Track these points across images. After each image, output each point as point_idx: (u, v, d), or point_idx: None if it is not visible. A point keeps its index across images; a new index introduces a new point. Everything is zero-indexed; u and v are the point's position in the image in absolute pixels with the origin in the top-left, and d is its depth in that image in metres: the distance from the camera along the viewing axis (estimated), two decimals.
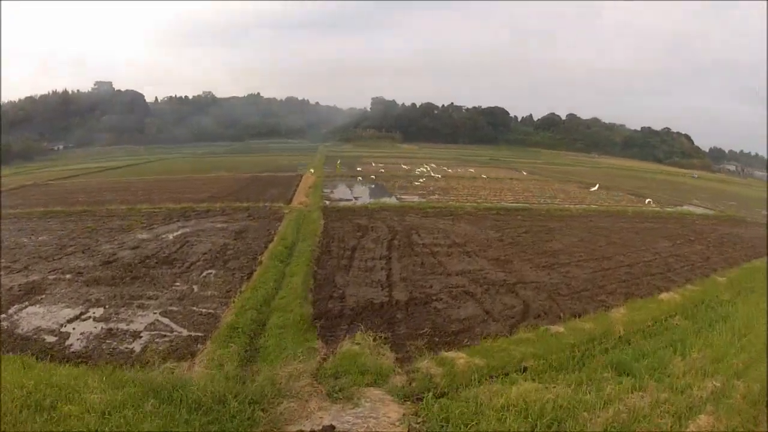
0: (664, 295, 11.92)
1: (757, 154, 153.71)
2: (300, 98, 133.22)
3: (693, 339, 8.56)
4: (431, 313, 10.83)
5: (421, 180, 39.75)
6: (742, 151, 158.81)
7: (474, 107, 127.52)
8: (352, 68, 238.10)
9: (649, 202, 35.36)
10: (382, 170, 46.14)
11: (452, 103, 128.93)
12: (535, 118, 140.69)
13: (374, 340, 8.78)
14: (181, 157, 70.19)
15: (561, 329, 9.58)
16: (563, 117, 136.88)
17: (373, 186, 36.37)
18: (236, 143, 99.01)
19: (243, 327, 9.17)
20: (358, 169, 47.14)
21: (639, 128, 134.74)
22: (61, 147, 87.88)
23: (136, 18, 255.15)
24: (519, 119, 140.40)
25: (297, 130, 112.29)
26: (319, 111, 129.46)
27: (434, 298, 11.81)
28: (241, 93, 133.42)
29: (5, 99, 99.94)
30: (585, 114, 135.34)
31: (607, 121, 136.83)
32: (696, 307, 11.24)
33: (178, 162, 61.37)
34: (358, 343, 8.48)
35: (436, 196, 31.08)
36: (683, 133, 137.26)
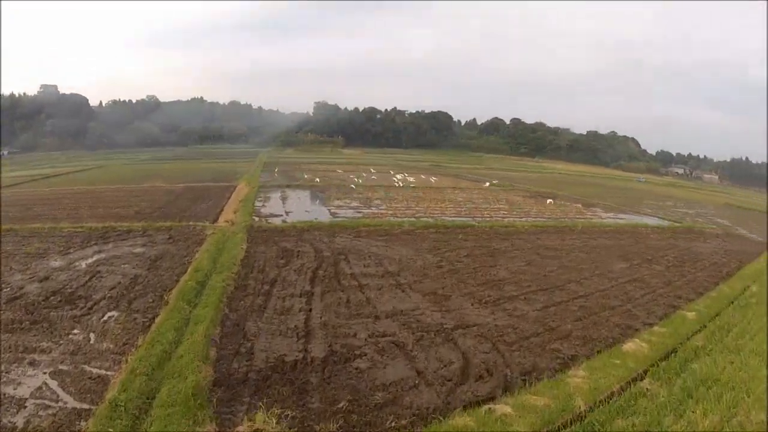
0: (628, 346, 11.24)
1: (705, 157, 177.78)
2: (243, 102, 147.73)
3: (670, 420, 7.39)
4: (352, 377, 9.98)
5: (355, 184, 42.71)
6: (690, 154, 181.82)
7: (417, 111, 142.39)
8: (297, 71, 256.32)
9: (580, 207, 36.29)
10: (318, 180, 47.87)
11: (395, 107, 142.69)
12: (479, 123, 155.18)
13: (278, 421, 8.08)
14: (121, 164, 72.83)
15: (508, 409, 8.21)
16: (507, 121, 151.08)
17: (307, 196, 37.43)
18: (179, 149, 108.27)
19: (127, 403, 8.34)
20: (296, 176, 50.17)
21: (585, 132, 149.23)
22: (6, 152, 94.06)
23: (84, 21, 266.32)
24: (463, 123, 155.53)
25: (240, 134, 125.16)
26: (262, 115, 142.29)
27: (357, 353, 11.01)
28: (185, 97, 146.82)
29: None
30: (530, 118, 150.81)
31: (552, 125, 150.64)
32: (667, 361, 10.54)
33: (116, 169, 63.45)
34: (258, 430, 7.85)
35: (373, 209, 31.85)
36: (630, 136, 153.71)
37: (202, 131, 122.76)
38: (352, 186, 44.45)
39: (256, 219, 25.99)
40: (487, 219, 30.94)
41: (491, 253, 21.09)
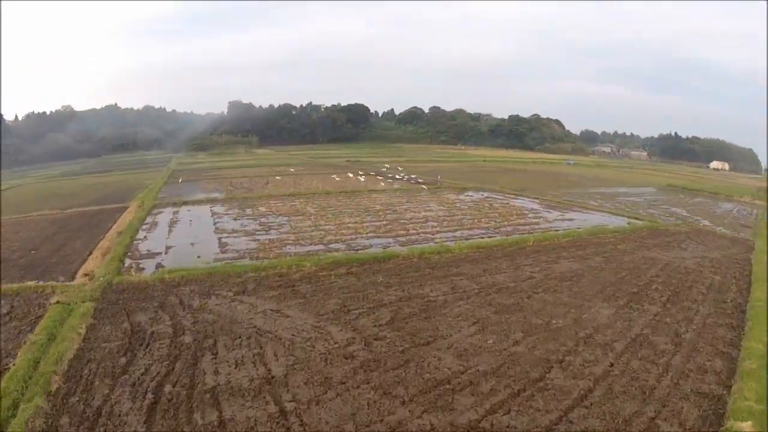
0: None
1: (632, 134, 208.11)
2: (158, 106, 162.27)
3: None
4: None
5: (258, 197, 43.32)
6: (616, 132, 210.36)
7: (333, 105, 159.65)
8: (214, 70, 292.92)
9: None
10: (216, 195, 47.57)
11: (311, 102, 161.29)
12: (397, 113, 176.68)
13: None
14: (27, 184, 73.41)
15: None
16: (426, 110, 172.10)
17: (202, 217, 35.78)
18: (91, 160, 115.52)
19: None
20: (199, 187, 52.24)
21: (506, 116, 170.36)
22: None
23: None
24: (380, 114, 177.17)
25: (154, 140, 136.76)
26: (176, 118, 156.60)
27: None
28: (99, 104, 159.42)
29: None
30: (451, 105, 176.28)
31: (472, 112, 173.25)
32: None
33: (22, 191, 62.64)
34: None
35: (273, 234, 29.62)
36: (553, 118, 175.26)
37: (116, 139, 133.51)
38: (260, 206, 41.47)
39: (127, 265, 23.85)
40: (413, 237, 28.72)
41: (425, 311, 16.86)
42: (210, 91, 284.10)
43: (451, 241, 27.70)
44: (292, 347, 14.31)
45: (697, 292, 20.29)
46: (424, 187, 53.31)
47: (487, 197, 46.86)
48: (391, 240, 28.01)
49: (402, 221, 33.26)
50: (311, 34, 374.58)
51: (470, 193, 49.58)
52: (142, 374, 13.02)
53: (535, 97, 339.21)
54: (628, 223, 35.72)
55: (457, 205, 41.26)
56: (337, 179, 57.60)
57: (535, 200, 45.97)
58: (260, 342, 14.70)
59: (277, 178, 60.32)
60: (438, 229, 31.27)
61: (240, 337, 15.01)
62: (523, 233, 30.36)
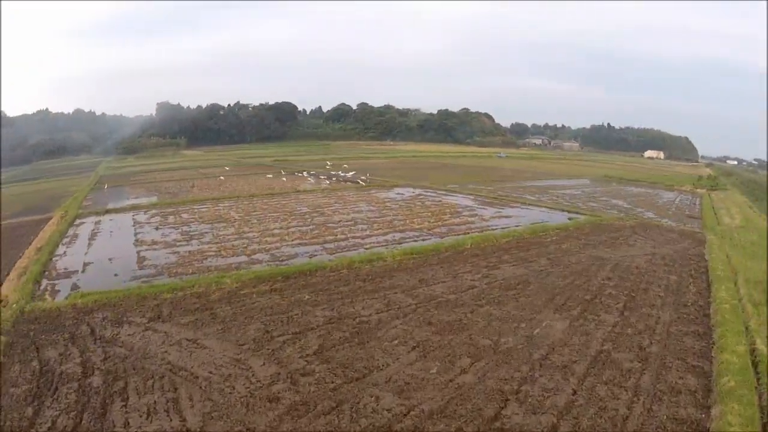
0: None
1: (563, 126, 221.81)
2: (88, 110, 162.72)
3: None
4: None
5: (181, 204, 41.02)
6: (546, 124, 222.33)
7: (261, 104, 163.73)
8: (144, 72, 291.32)
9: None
10: (140, 201, 45.65)
11: (238, 101, 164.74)
12: (325, 110, 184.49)
13: None
14: None
15: None
16: (354, 106, 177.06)
17: (123, 227, 33.80)
18: (23, 167, 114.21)
19: None
20: (124, 193, 50.88)
21: (436, 111, 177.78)
22: None
23: None
24: (308, 112, 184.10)
25: (84, 145, 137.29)
26: (106, 122, 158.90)
27: None
28: (31, 109, 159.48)
29: None
30: (380, 102, 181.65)
31: (401, 107, 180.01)
32: None
33: None
34: None
35: (194, 244, 27.86)
36: (483, 112, 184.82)
37: (47, 145, 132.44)
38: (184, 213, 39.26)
39: (42, 287, 22.07)
40: (342, 243, 27.22)
41: (357, 334, 15.02)
42: (141, 94, 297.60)
43: (383, 246, 26.16)
44: (210, 389, 12.27)
45: (654, 295, 19.50)
46: (361, 181, 52.67)
47: (418, 195, 45.76)
48: (318, 247, 26.27)
49: (330, 225, 31.52)
50: (243, 37, 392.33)
51: (400, 191, 48.40)
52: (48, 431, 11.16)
53: (466, 93, 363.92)
54: (570, 219, 35.53)
55: (388, 204, 39.78)
56: (263, 180, 55.74)
57: (469, 196, 45.26)
58: (174, 383, 12.76)
59: (201, 181, 57.85)
60: (368, 232, 29.68)
61: (153, 377, 13.13)
62: (459, 234, 29.18)
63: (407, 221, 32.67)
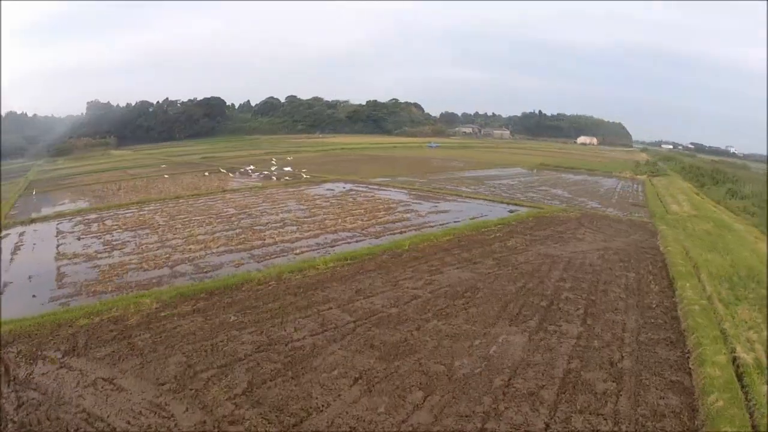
0: None
1: (494, 114, 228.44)
2: (20, 112, 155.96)
3: None
4: None
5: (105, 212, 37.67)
6: (477, 112, 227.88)
7: (190, 100, 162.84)
8: (76, 71, 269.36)
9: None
10: (66, 207, 41.67)
11: (167, 98, 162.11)
12: (254, 104, 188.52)
13: None
14: None
15: None
16: (283, 100, 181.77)
17: (46, 237, 30.92)
18: None
19: None
20: (51, 198, 47.37)
21: (364, 102, 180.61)
22: None
23: None
24: (237, 107, 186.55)
25: (18, 148, 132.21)
26: (37, 123, 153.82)
27: None
28: None
29: None
30: (307, 95, 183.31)
31: (329, 99, 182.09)
32: None
33: None
34: None
35: (117, 255, 25.51)
36: (412, 102, 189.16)
37: None
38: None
39: None
40: (270, 248, 25.42)
41: (291, 365, 13.20)
42: (73, 94, 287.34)
43: (315, 250, 24.41)
44: None
45: (615, 297, 18.73)
46: (303, 174, 50.84)
47: (349, 190, 44.08)
48: (245, 254, 24.30)
49: (258, 228, 29.50)
50: (172, 34, 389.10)
51: (331, 186, 46.52)
52: None
53: (394, 83, 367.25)
54: (511, 212, 34.97)
55: (318, 201, 37.95)
56: (190, 180, 52.77)
57: (403, 190, 44.05)
58: None
59: (127, 182, 53.94)
60: (298, 234, 27.83)
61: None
62: (395, 233, 27.82)
63: (339, 220, 30.98)
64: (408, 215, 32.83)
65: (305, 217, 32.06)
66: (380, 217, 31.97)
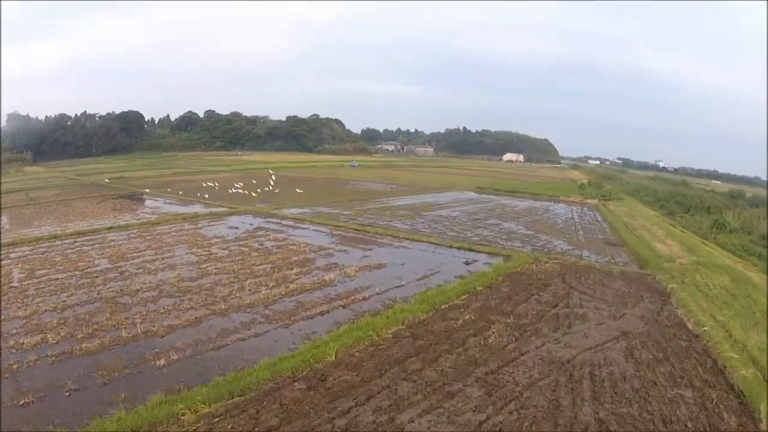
0: None
1: (417, 130, 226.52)
2: None
3: None
4: None
5: None
6: (399, 129, 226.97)
7: (108, 114, 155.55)
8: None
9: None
10: None
11: (85, 111, 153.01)
12: (174, 118, 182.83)
13: None
14: None
15: None
16: (201, 115, 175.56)
17: None
18: None
19: None
20: None
21: (284, 118, 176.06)
22: None
23: None
24: (157, 121, 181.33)
25: None
26: None
27: None
28: None
29: None
30: (227, 110, 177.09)
31: (249, 114, 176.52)
32: None
33: None
34: None
35: None
36: (333, 118, 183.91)
37: None
38: None
39: None
40: (129, 345, 15.63)
41: None
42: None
43: (189, 362, 14.41)
44: None
45: None
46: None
47: (257, 228, 34.24)
48: (89, 363, 14.24)
49: (123, 300, 19.36)
50: (91, 44, 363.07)
51: (237, 222, 36.67)
52: None
53: (315, 98, 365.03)
54: (467, 263, 26.28)
55: (215, 249, 27.88)
56: (84, 208, 42.83)
57: (323, 229, 34.49)
58: None
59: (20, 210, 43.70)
60: (173, 316, 17.84)
61: None
62: (313, 315, 18.11)
63: (236, 287, 21.02)
64: (331, 275, 23.03)
65: (192, 279, 22.01)
66: (293, 281, 22.06)
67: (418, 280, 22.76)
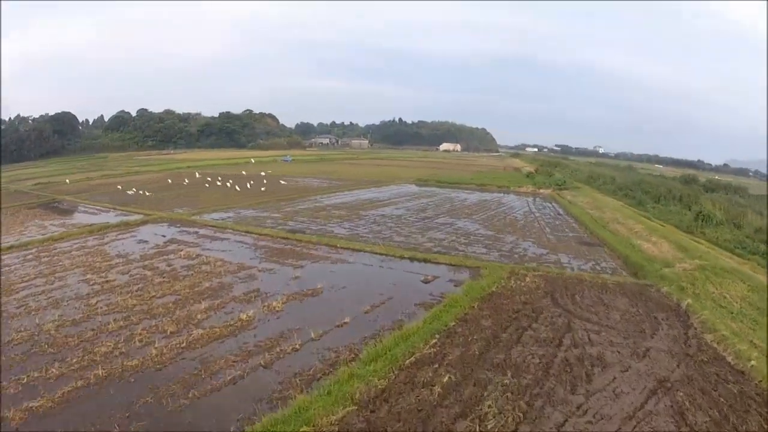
0: None
1: (351, 123, 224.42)
2: None
3: None
4: None
5: None
6: (333, 122, 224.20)
7: (42, 116, 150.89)
8: None
9: None
10: None
11: (19, 114, 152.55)
12: (107, 119, 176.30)
13: None
14: None
15: None
16: (134, 114, 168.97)
17: None
18: None
19: None
20: None
21: (217, 114, 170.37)
22: None
23: None
24: (91, 122, 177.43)
25: None
26: None
27: None
28: None
29: None
30: (160, 108, 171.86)
31: (181, 112, 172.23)
32: None
33: None
34: None
35: None
36: (267, 113, 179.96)
37: None
38: None
39: None
40: None
41: None
42: None
43: None
44: None
45: None
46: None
47: (169, 241, 27.90)
48: None
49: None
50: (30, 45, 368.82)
51: (148, 232, 30.46)
52: None
53: (250, 95, 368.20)
54: (426, 281, 20.63)
55: (113, 273, 21.84)
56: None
57: (246, 239, 28.35)
58: None
59: None
60: (37, 387, 12.24)
61: None
62: (220, 386, 12.08)
63: (123, 336, 14.96)
64: (251, 311, 16.72)
65: (73, 324, 16.08)
66: (199, 323, 15.96)
67: (366, 313, 16.88)
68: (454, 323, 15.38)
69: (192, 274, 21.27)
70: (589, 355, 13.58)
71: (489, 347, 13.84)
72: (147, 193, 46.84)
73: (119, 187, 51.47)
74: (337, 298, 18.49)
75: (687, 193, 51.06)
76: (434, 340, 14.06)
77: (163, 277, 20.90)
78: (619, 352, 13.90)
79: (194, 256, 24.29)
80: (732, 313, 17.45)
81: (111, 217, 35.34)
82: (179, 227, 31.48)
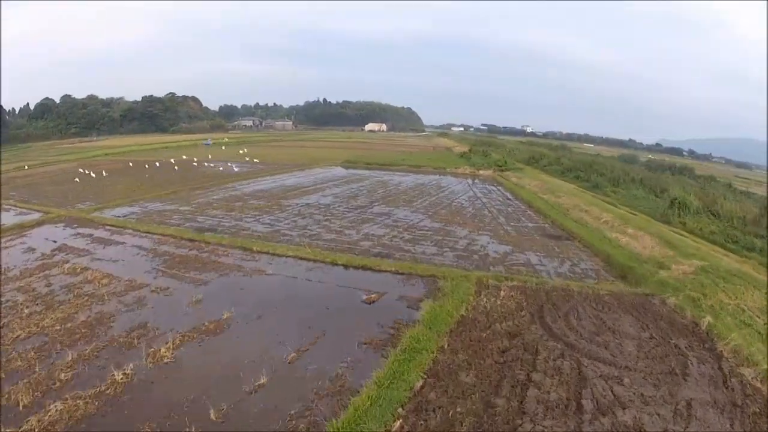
0: None
1: (276, 104, 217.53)
2: None
3: None
4: None
5: None
6: (258, 104, 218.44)
7: None
8: None
9: None
10: None
11: None
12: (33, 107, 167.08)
13: None
14: None
15: None
16: (58, 100, 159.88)
17: None
18: None
19: None
20: None
21: (140, 98, 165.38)
22: None
23: None
24: (18, 111, 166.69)
25: None
26: None
27: None
28: None
29: None
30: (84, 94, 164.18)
31: (104, 97, 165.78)
32: None
33: None
34: None
35: None
36: (190, 96, 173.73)
37: None
38: None
39: None
40: None
41: None
42: None
43: None
44: None
45: None
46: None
47: (60, 246, 22.23)
48: None
49: None
50: None
51: (40, 237, 24.39)
52: None
53: (177, 81, 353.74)
54: (368, 300, 15.89)
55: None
56: None
57: (146, 241, 22.74)
58: None
59: None
60: None
61: None
62: None
63: None
64: (129, 366, 11.29)
65: None
66: (60, 388, 10.65)
67: (291, 363, 11.72)
68: (421, 383, 10.46)
69: (70, 299, 15.65)
70: (624, 425, 9.12)
71: (482, 425, 9.08)
72: (56, 187, 39.79)
73: (17, 181, 43.77)
74: (249, 335, 13.27)
75: (646, 177, 48.05)
76: (397, 423, 9.12)
77: (36, 305, 15.22)
78: (658, 415, 9.56)
79: (79, 270, 18.47)
80: (761, 334, 13.48)
81: (10, 217, 28.46)
82: (75, 228, 25.51)
